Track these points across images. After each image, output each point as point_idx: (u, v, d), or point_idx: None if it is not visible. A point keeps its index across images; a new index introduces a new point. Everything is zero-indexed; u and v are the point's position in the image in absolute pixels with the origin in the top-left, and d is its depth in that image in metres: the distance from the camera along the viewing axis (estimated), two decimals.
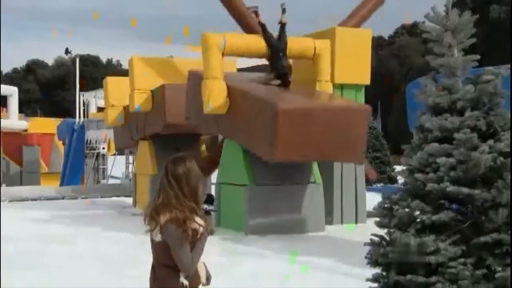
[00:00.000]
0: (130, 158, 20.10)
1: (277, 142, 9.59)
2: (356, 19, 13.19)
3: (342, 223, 11.74)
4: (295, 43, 11.25)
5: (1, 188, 18.86)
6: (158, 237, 3.06)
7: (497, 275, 3.00)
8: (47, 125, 24.25)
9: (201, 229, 3.10)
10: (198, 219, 3.11)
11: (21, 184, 22.49)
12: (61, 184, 20.83)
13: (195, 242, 3.08)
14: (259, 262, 7.91)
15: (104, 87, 15.76)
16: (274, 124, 9.54)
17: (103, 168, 22.32)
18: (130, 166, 19.84)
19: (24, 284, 6.40)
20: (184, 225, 3.04)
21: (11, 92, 24.78)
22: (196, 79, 11.44)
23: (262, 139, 9.91)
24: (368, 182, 14.05)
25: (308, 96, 10.71)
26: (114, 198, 17.11)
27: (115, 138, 16.46)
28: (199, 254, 3.11)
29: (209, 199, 3.19)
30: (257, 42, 11.02)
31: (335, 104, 10.38)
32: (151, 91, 13.69)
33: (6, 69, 72.03)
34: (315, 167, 11.18)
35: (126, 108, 14.78)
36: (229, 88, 10.74)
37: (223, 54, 10.76)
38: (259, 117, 10.00)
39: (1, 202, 15.07)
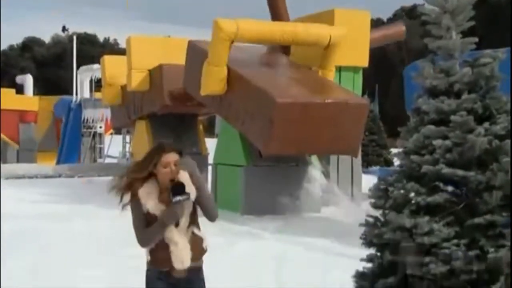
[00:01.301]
0: (127, 137, 20.11)
1: (273, 136, 9.55)
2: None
3: (338, 204, 11.79)
4: (312, 29, 10.85)
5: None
6: None
7: (490, 256, 3.04)
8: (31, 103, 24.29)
9: (152, 207, 3.16)
10: (147, 189, 3.18)
11: (17, 161, 22.48)
12: (58, 163, 20.84)
13: (151, 221, 3.17)
14: (255, 242, 7.98)
15: (101, 66, 15.71)
16: (271, 117, 9.50)
17: (100, 147, 22.30)
18: (127, 145, 19.85)
19: (20, 263, 6.43)
20: (130, 189, 3.23)
21: (26, 79, 26.38)
22: (196, 54, 11.34)
23: (258, 130, 9.87)
24: (400, 39, 13.75)
25: (308, 87, 10.59)
26: (111, 177, 17.13)
27: (112, 117, 16.45)
28: (151, 234, 3.17)
29: (178, 189, 3.15)
30: (271, 29, 10.71)
31: (334, 98, 10.25)
32: (149, 70, 13.65)
33: (2, 46, 71.56)
34: None
35: (123, 87, 14.75)
36: (230, 71, 10.66)
37: (232, 41, 10.51)
38: (256, 108, 9.94)
39: None
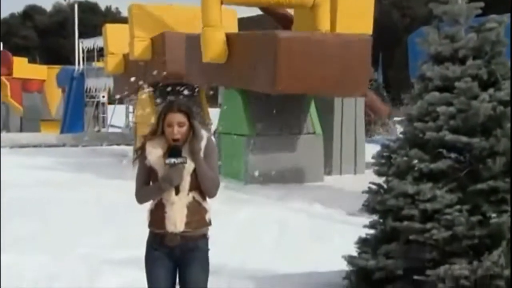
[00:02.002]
0: (130, 107, 20.08)
1: (278, 72, 9.62)
2: None
3: (340, 173, 11.84)
4: None
5: (1, 134, 18.93)
6: None
7: (492, 221, 3.07)
8: (40, 71, 24.24)
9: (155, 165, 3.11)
10: (156, 149, 3.14)
11: (21, 131, 22.54)
12: (62, 132, 20.88)
13: (153, 178, 3.13)
14: (259, 209, 8.03)
15: (103, 34, 15.58)
16: (275, 54, 9.58)
17: (103, 117, 22.31)
18: (130, 115, 19.84)
19: (27, 231, 6.50)
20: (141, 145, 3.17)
21: None
22: (193, 41, 11.36)
23: (263, 72, 9.94)
24: (381, 118, 13.81)
25: (309, 32, 10.70)
26: (115, 147, 17.19)
27: (114, 86, 16.40)
28: (146, 193, 3.15)
29: (174, 151, 3.10)
30: None
31: (336, 35, 10.37)
32: (151, 39, 13.55)
33: (3, 14, 71.02)
34: (315, 117, 11.20)
35: (125, 56, 14.66)
36: (228, 37, 10.68)
37: (222, 2, 10.63)
38: (259, 51, 10.02)
39: (1, 149, 15.14)
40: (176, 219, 3.09)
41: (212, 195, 3.18)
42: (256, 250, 5.70)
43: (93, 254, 5.44)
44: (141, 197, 3.19)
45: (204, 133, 3.20)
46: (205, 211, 3.19)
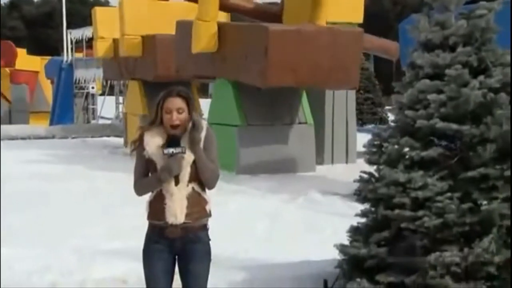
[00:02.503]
0: (120, 98, 19.99)
1: (269, 66, 9.64)
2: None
3: (332, 163, 11.87)
4: None
5: None
6: None
7: (483, 208, 3.10)
8: (35, 63, 24.01)
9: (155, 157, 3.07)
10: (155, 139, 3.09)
11: (10, 123, 22.40)
12: (51, 124, 20.77)
13: (152, 169, 3.10)
14: (250, 200, 8.05)
15: (92, 18, 15.39)
16: (265, 47, 9.60)
17: (93, 108, 22.22)
18: (120, 106, 19.76)
19: (20, 224, 6.48)
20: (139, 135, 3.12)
21: None
22: (184, 28, 11.29)
23: (254, 65, 9.94)
24: (393, 57, 13.59)
25: (300, 25, 10.71)
26: (105, 138, 17.14)
27: (104, 71, 16.28)
28: (145, 184, 3.11)
29: (173, 141, 3.05)
30: None
31: (327, 27, 10.43)
32: (142, 37, 13.42)
33: None
34: (307, 107, 11.21)
35: (116, 41, 14.49)
36: (219, 26, 10.65)
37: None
38: (250, 43, 10.04)
39: None
40: (176, 211, 3.05)
41: (211, 187, 3.15)
42: (248, 240, 5.72)
43: (86, 246, 5.44)
44: (139, 189, 3.14)
45: (204, 123, 3.14)
46: (205, 202, 3.15)
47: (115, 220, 6.52)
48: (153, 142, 3.09)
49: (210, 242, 3.18)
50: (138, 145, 3.14)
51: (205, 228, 3.16)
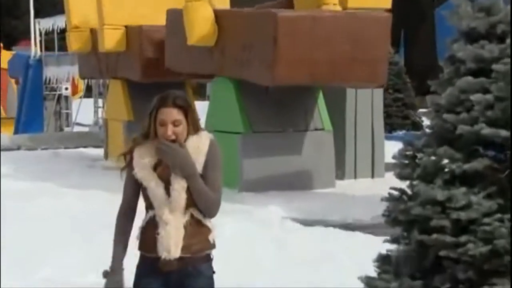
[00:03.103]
0: (100, 101, 20.06)
1: (278, 59, 9.64)
2: None
3: (355, 177, 11.88)
4: None
5: None
6: None
7: None
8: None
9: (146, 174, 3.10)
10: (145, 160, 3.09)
11: None
12: (16, 132, 20.86)
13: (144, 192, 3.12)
14: (254, 223, 8.05)
15: (65, 4, 15.44)
16: (274, 37, 9.59)
17: (67, 113, 22.30)
18: (100, 110, 19.84)
19: None
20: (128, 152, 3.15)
21: None
22: (176, 17, 11.36)
23: (259, 60, 9.98)
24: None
25: (314, 10, 10.71)
26: (82, 149, 17.20)
27: (79, 67, 16.35)
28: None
29: None
30: None
31: (348, 12, 10.40)
32: (126, 27, 13.46)
33: None
34: (324, 110, 11.22)
35: (93, 31, 14.54)
36: (217, 14, 10.68)
37: None
38: (255, 34, 10.07)
39: None
40: (170, 243, 3.02)
41: (211, 216, 3.13)
42: (251, 272, 5.71)
43: (56, 279, 5.45)
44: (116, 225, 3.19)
45: (205, 136, 3.14)
46: (207, 231, 3.13)
47: (92, 247, 6.54)
48: (143, 164, 3.10)
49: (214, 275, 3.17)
50: (129, 162, 3.15)
51: (207, 259, 3.15)
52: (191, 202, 3.08)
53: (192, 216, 3.08)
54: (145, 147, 3.12)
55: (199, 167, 3.09)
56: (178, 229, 3.04)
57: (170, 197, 3.06)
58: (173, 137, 3.06)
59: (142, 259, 3.16)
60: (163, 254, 3.03)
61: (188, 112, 3.12)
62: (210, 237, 3.13)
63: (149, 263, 3.10)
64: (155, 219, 3.08)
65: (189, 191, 3.07)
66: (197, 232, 3.08)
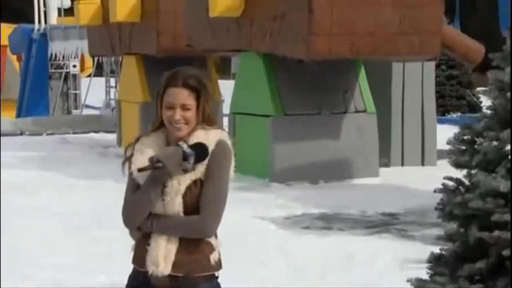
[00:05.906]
0: (112, 80, 20.21)
1: (314, 30, 9.63)
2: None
3: (402, 165, 11.86)
4: None
5: None
6: None
7: None
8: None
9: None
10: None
11: None
12: (18, 115, 21.10)
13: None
14: (285, 219, 8.06)
15: None
16: (309, 3, 9.60)
17: (75, 94, 22.49)
18: (112, 90, 19.98)
19: None
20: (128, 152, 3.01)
21: None
22: None
23: (293, 30, 9.95)
24: (472, 63, 13.34)
25: None
26: (92, 134, 17.38)
27: (89, 44, 16.48)
28: (130, 206, 2.93)
29: (200, 153, 2.88)
30: None
31: None
32: None
33: None
34: (366, 89, 11.19)
35: (104, 2, 14.64)
36: None
37: None
38: (287, 2, 10.05)
39: None
40: (159, 257, 2.87)
41: (207, 237, 2.93)
42: (277, 278, 5.73)
43: (58, 280, 5.53)
44: (127, 216, 2.95)
45: (214, 134, 2.94)
46: (209, 249, 2.93)
47: (98, 246, 6.61)
48: (140, 161, 2.93)
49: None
50: (129, 156, 3.00)
51: (211, 278, 2.97)
52: (190, 209, 2.90)
53: None
54: (149, 139, 2.98)
55: (199, 174, 2.90)
56: (170, 241, 2.89)
57: (164, 201, 2.90)
58: (183, 121, 2.87)
59: (134, 274, 3.03)
60: (151, 268, 2.88)
61: (201, 95, 2.91)
62: (212, 257, 2.93)
63: (141, 278, 2.96)
64: None
65: (185, 196, 2.90)
66: (195, 249, 2.91)
